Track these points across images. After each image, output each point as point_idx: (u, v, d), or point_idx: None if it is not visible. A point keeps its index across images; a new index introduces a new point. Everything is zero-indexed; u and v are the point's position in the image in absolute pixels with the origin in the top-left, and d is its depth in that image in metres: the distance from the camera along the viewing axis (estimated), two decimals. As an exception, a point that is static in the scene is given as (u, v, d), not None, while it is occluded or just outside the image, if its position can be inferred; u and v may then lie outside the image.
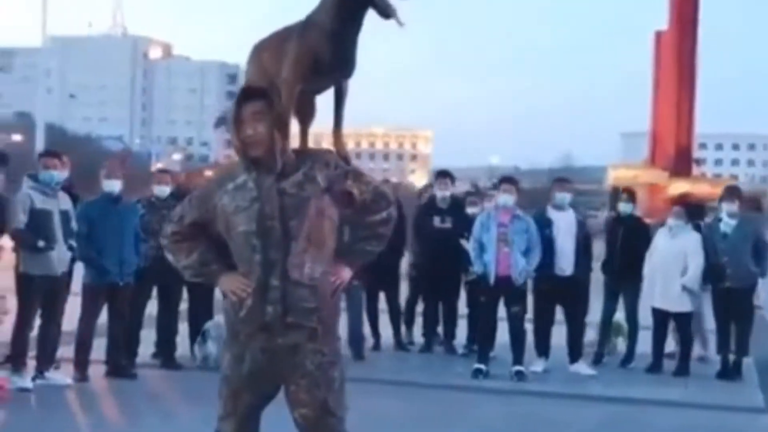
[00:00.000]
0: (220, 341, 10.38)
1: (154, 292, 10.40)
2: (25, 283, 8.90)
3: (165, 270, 9.70)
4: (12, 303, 9.10)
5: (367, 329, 11.88)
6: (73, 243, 9.06)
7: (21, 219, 8.80)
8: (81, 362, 9.43)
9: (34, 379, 9.00)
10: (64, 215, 9.05)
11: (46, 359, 9.17)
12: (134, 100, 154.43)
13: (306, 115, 5.54)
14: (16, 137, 78.09)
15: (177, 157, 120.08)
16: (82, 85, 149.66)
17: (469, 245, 10.61)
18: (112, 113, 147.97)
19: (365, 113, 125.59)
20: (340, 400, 4.59)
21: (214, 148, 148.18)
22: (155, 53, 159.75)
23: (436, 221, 11.91)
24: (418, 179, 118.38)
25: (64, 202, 9.17)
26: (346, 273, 4.65)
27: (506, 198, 10.50)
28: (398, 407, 9.22)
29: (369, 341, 11.94)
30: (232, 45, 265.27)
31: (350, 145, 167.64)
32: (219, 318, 10.55)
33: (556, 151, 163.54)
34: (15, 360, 8.95)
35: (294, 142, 6.28)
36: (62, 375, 9.27)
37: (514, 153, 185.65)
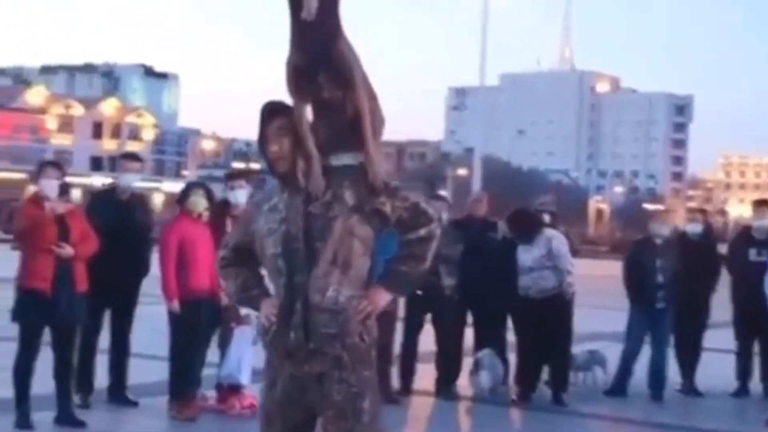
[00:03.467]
0: (493, 370, 10.18)
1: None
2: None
3: (437, 296, 9.89)
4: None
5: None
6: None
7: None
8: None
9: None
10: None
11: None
12: (580, 134, 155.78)
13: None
14: (462, 171, 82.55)
15: (619, 189, 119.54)
16: (530, 121, 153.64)
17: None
18: (558, 148, 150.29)
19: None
20: None
21: (660, 180, 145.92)
22: (602, 87, 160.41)
23: (752, 254, 10.87)
24: None
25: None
26: (381, 297, 4.37)
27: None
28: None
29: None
30: (680, 76, 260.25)
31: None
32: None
33: None
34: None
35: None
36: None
37: None
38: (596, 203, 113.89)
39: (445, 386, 10.16)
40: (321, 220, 4.29)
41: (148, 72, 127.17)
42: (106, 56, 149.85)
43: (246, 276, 4.57)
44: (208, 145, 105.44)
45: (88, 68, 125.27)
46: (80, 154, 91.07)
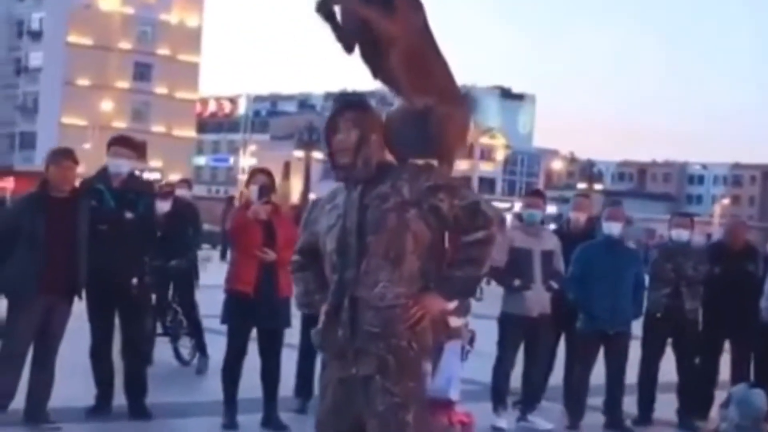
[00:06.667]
0: (745, 406, 9.24)
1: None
2: (503, 322, 8.89)
3: (679, 319, 9.14)
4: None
5: None
6: (554, 284, 8.81)
7: (501, 257, 8.79)
8: (572, 410, 9.09)
9: (518, 420, 8.93)
10: (547, 255, 8.84)
11: (530, 401, 9.01)
12: None
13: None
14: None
15: None
16: None
17: None
18: None
19: None
20: None
21: None
22: None
23: None
24: None
25: (549, 242, 8.96)
26: (434, 302, 4.10)
27: None
28: None
29: None
30: None
31: None
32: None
33: None
34: (495, 398, 8.93)
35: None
36: (545, 420, 9.03)
37: None
38: None
39: (686, 417, 9.35)
40: (376, 212, 4.11)
41: (505, 94, 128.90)
42: (464, 79, 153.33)
43: (309, 280, 4.44)
44: (556, 166, 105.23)
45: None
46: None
